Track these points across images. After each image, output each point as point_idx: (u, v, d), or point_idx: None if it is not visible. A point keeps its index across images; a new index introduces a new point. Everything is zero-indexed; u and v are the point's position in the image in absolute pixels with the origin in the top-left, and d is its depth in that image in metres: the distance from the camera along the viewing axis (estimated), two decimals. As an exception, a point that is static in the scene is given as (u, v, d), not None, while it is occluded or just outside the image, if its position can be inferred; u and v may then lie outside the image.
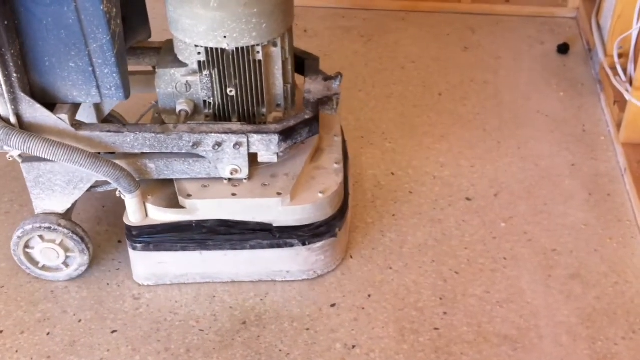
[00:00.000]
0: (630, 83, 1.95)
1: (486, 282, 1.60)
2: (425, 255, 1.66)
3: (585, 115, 2.10)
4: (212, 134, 1.45)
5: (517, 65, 2.33)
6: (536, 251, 1.67)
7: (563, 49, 2.38)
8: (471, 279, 1.61)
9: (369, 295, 1.57)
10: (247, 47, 1.45)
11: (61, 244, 1.55)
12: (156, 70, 1.51)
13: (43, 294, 1.57)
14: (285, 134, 1.47)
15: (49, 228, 1.52)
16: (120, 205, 1.78)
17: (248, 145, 1.47)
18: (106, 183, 1.53)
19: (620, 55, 2.06)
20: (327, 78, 1.60)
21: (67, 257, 1.57)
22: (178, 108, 1.51)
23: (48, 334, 1.50)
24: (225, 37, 1.43)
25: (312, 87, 1.58)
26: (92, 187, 1.53)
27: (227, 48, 1.45)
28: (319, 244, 1.55)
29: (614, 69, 2.05)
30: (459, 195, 1.82)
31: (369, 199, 1.81)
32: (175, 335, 1.49)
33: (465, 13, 2.60)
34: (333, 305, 1.55)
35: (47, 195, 1.52)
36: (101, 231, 1.72)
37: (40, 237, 1.54)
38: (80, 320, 1.52)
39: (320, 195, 1.51)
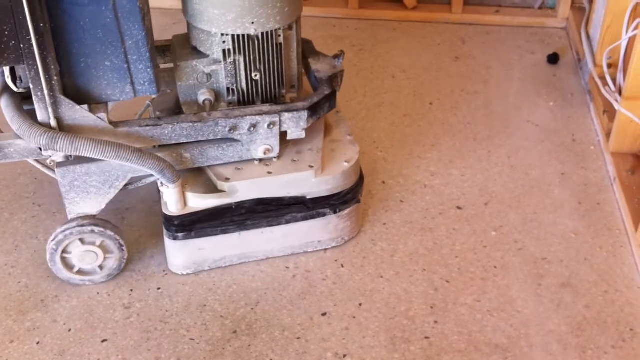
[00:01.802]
0: (620, 93, 1.96)
1: (477, 291, 1.60)
2: (416, 264, 1.66)
3: (575, 125, 2.11)
4: (247, 117, 1.51)
5: (508, 75, 2.34)
6: (526, 260, 1.68)
7: (553, 59, 2.40)
8: (462, 287, 1.61)
9: (360, 304, 1.57)
10: (271, 32, 1.52)
11: (100, 246, 1.56)
12: (177, 64, 1.54)
13: (33, 303, 1.57)
14: (312, 110, 1.56)
15: (90, 230, 1.53)
16: (111, 216, 1.78)
17: (280, 124, 1.52)
18: (138, 180, 1.55)
19: (609, 66, 2.07)
20: (334, 57, 1.70)
21: (105, 258, 1.58)
22: (201, 98, 1.56)
23: (38, 343, 1.49)
24: (252, 22, 1.49)
25: (318, 66, 1.68)
26: (125, 185, 1.55)
27: (254, 33, 1.50)
28: (347, 211, 1.65)
29: (603, 79, 2.07)
30: (450, 204, 1.83)
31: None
32: (165, 344, 1.49)
33: (456, 23, 2.61)
34: (324, 314, 1.55)
35: (82, 198, 1.53)
36: (92, 240, 1.72)
37: (81, 240, 1.55)
38: (70, 330, 1.52)
39: (345, 164, 1.61)
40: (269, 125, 1.53)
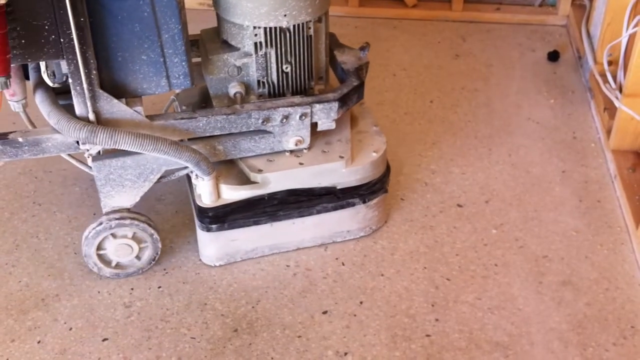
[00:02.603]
0: (620, 90, 1.96)
1: (477, 288, 1.60)
2: (417, 262, 1.66)
3: (575, 123, 2.11)
4: (280, 109, 1.53)
5: (508, 72, 2.34)
6: (527, 258, 1.68)
7: (553, 56, 2.40)
8: (463, 285, 1.61)
9: (361, 302, 1.57)
10: (302, 24, 1.54)
11: (134, 237, 1.57)
12: (208, 57, 1.55)
13: (33, 302, 1.57)
14: (342, 101, 1.58)
15: (127, 224, 1.54)
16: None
17: (311, 115, 1.54)
18: (171, 173, 1.56)
19: (609, 63, 2.07)
20: (360, 49, 1.72)
21: (140, 249, 1.59)
22: (232, 91, 1.57)
23: (39, 342, 1.49)
24: (285, 15, 1.50)
25: (344, 58, 1.70)
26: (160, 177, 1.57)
27: (285, 26, 1.50)
28: (375, 200, 1.67)
29: (603, 76, 2.06)
30: (450, 202, 1.83)
31: (361, 206, 1.81)
32: (166, 343, 1.49)
33: (456, 21, 2.61)
34: (325, 313, 1.55)
35: (117, 191, 1.54)
36: (92, 239, 1.72)
37: (113, 235, 1.56)
38: (71, 329, 1.52)
39: (374, 154, 1.64)
40: (300, 117, 1.55)
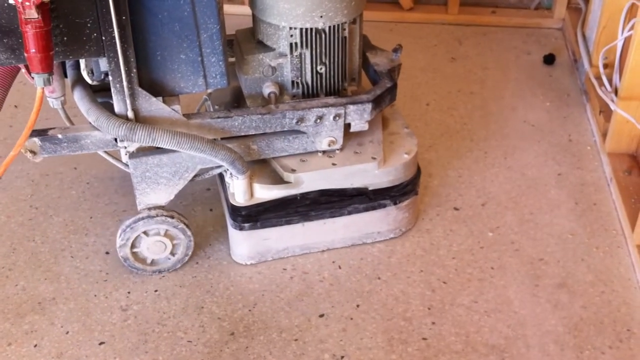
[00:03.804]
0: (616, 93, 1.96)
1: (474, 291, 1.60)
2: (413, 265, 1.67)
3: (571, 125, 2.12)
4: (314, 109, 1.54)
5: (504, 75, 2.34)
6: (523, 260, 1.68)
7: (549, 59, 2.40)
8: (459, 288, 1.61)
9: (358, 306, 1.57)
10: (338, 25, 1.55)
11: (166, 234, 1.59)
12: (244, 57, 1.56)
13: (30, 306, 1.57)
14: (376, 102, 1.58)
15: (164, 220, 1.56)
16: (108, 217, 1.78)
17: (345, 116, 1.55)
18: (205, 171, 1.58)
19: (605, 66, 2.07)
20: (393, 50, 1.73)
21: (173, 245, 1.61)
22: (266, 91, 1.57)
23: (35, 345, 1.49)
24: (321, 16, 1.51)
25: (377, 60, 1.71)
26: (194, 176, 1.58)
27: (321, 27, 1.52)
28: (406, 202, 1.68)
29: (599, 79, 2.07)
30: (447, 205, 1.83)
31: (357, 209, 1.81)
32: (163, 346, 1.49)
33: (452, 24, 2.62)
34: (321, 316, 1.55)
35: (152, 189, 1.56)
36: (89, 242, 1.72)
37: (145, 232, 1.57)
38: (67, 332, 1.52)
39: (406, 156, 1.65)
40: (334, 117, 1.56)
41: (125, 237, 1.56)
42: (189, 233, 1.60)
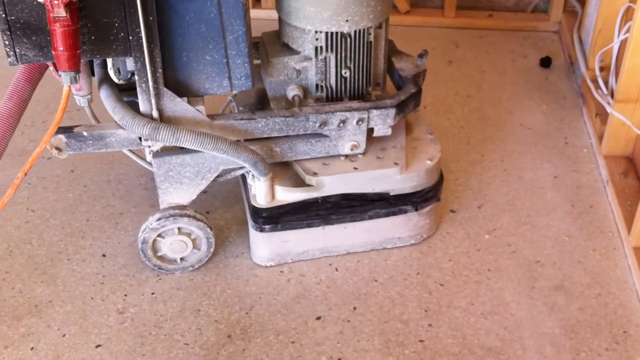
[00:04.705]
0: (612, 96, 1.97)
1: (470, 294, 1.61)
2: (410, 268, 1.67)
3: (567, 128, 2.12)
4: (337, 113, 1.54)
5: (501, 78, 2.35)
6: (520, 263, 1.68)
7: (545, 62, 2.41)
8: (455, 291, 1.61)
9: (354, 308, 1.58)
10: (363, 30, 1.54)
11: (188, 235, 1.61)
12: (269, 60, 1.56)
13: (27, 309, 1.57)
14: (399, 108, 1.58)
15: (183, 220, 1.57)
16: (104, 220, 1.78)
17: (368, 121, 1.55)
18: (227, 172, 1.58)
19: (601, 69, 2.08)
20: (418, 56, 1.73)
21: (194, 245, 1.62)
22: (290, 94, 1.58)
23: (32, 348, 1.49)
24: (347, 20, 1.51)
25: (402, 65, 1.71)
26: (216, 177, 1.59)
27: (347, 31, 1.52)
28: (427, 208, 1.67)
29: (595, 82, 2.08)
30: (444, 207, 1.83)
31: (354, 212, 1.81)
32: (160, 349, 1.49)
33: (449, 27, 2.62)
34: (318, 318, 1.55)
35: (175, 188, 1.57)
36: (85, 245, 1.72)
37: (179, 229, 1.59)
38: (64, 335, 1.52)
39: (428, 162, 1.64)
40: (357, 122, 1.56)
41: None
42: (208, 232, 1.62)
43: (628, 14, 1.98)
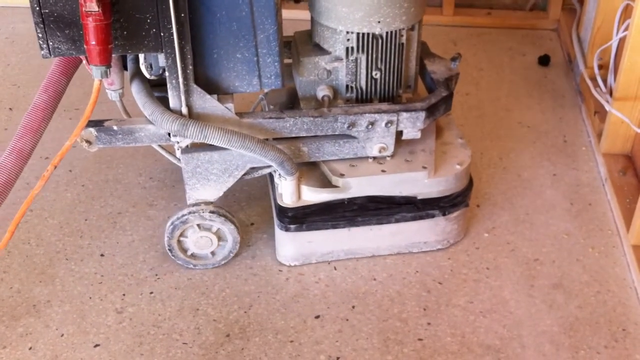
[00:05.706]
0: (611, 94, 1.97)
1: (469, 292, 1.60)
2: (409, 266, 1.67)
3: (566, 126, 2.12)
4: (366, 114, 1.53)
5: (499, 76, 2.35)
6: (519, 261, 1.68)
7: (544, 60, 2.40)
8: (454, 289, 1.61)
9: (353, 307, 1.57)
10: (395, 31, 1.53)
11: (215, 231, 1.61)
12: (300, 59, 1.56)
13: (25, 308, 1.56)
14: (429, 111, 1.56)
15: (209, 217, 1.58)
16: (104, 220, 1.78)
17: (397, 123, 1.54)
18: (255, 170, 1.58)
19: (600, 67, 2.08)
20: (451, 59, 1.70)
21: (219, 243, 1.63)
22: (320, 94, 1.57)
23: (30, 348, 1.49)
24: (379, 21, 1.50)
25: (434, 68, 1.68)
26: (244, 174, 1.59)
27: (378, 32, 1.51)
28: (455, 214, 1.65)
29: (594, 80, 2.07)
30: (442, 206, 1.83)
31: (353, 211, 1.81)
32: (158, 348, 1.49)
33: (448, 25, 2.62)
34: (317, 317, 1.55)
35: (202, 184, 1.57)
36: (83, 245, 1.71)
37: (198, 225, 1.60)
38: (62, 335, 1.51)
39: (457, 167, 1.62)
40: (386, 124, 1.54)
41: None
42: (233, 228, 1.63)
43: (627, 12, 1.98)
